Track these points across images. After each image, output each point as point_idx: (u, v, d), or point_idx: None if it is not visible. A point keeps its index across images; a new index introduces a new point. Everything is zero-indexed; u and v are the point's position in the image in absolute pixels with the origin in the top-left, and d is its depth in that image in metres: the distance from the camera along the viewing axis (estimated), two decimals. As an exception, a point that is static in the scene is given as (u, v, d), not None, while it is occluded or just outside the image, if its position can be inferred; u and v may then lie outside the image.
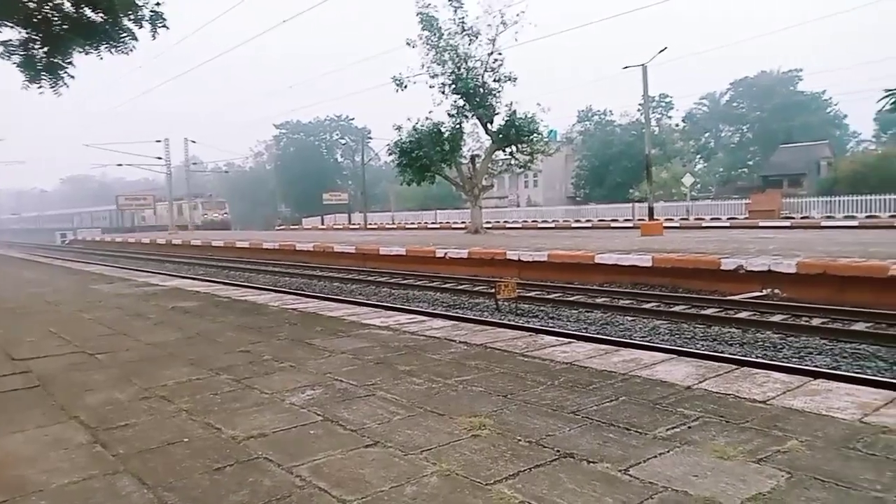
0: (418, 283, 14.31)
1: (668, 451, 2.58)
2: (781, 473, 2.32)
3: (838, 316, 8.32)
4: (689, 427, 2.86)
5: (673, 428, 2.86)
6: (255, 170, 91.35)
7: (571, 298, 10.98)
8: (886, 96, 13.30)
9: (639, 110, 49.00)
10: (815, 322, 8.18)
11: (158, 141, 46.59)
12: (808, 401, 3.19)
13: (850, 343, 7.21)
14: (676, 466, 2.42)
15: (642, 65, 23.85)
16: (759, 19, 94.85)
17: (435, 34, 24.02)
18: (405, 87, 24.88)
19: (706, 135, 66.84)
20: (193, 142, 50.63)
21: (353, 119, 79.55)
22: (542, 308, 10.50)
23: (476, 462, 2.53)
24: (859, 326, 7.81)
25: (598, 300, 10.63)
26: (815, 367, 6.12)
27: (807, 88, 60.32)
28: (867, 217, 28.73)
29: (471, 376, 3.91)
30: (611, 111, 61.03)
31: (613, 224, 36.17)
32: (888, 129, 55.52)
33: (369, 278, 15.54)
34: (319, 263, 20.03)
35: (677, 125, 61.24)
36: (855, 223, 26.17)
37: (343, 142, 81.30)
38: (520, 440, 2.77)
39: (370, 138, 65.42)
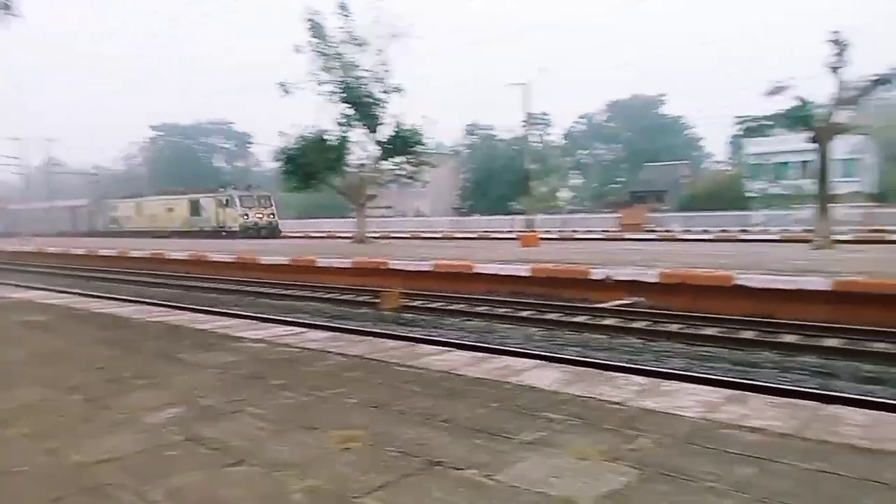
0: (300, 293, 13.97)
1: (532, 455, 2.68)
2: (633, 470, 2.48)
3: (693, 321, 9.06)
4: (554, 430, 2.99)
5: (538, 432, 2.97)
6: (128, 172, 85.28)
7: (454, 307, 11.17)
8: (738, 123, 14.70)
9: (523, 126, 51.04)
10: (674, 327, 8.86)
11: (14, 139, 42.05)
12: (659, 401, 3.43)
13: (703, 346, 7.88)
14: (539, 469, 2.52)
15: (524, 84, 24.93)
16: (639, 43, 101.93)
17: (323, 41, 23.70)
18: (289, 93, 24.33)
19: (584, 152, 70.82)
20: (53, 140, 46.13)
21: (233, 123, 76.61)
22: (424, 317, 10.59)
23: (345, 476, 2.49)
24: (710, 331, 8.55)
25: (479, 309, 10.89)
26: (670, 369, 6.62)
27: (670, 112, 65.73)
28: (721, 231, 31.62)
29: (346, 388, 3.85)
30: (495, 127, 63.18)
31: (496, 235, 37.26)
32: (738, 153, 61.61)
33: (248, 289, 14.95)
34: (194, 273, 18.99)
35: (557, 142, 64.51)
36: (710, 237, 28.69)
37: (224, 146, 78.01)
38: (391, 451, 2.76)
39: (250, 143, 63.18)
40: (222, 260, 19.68)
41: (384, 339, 5.97)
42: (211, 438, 2.96)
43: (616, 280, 11.30)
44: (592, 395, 3.56)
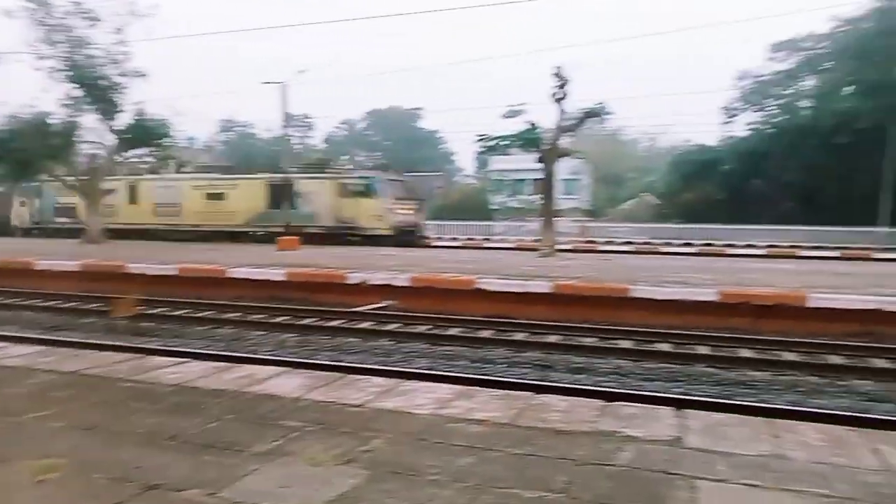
0: (9, 301, 11.81)
1: (264, 466, 2.58)
2: (364, 472, 2.53)
3: (440, 323, 9.66)
4: (290, 438, 2.93)
5: (274, 441, 2.89)
6: None
7: (202, 315, 10.41)
8: (478, 140, 16.15)
9: (284, 126, 49.79)
10: (422, 329, 9.34)
11: None
12: (398, 401, 3.58)
13: (447, 346, 8.43)
14: (269, 480, 2.44)
15: (282, 83, 24.27)
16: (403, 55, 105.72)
17: (43, 9, 20.40)
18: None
19: (345, 158, 71.54)
20: None
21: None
22: (166, 326, 9.70)
23: (35, 513, 2.14)
24: (454, 331, 9.19)
25: (229, 315, 10.30)
26: (417, 369, 6.97)
27: (426, 126, 69.70)
28: (468, 239, 34.31)
29: (52, 410, 3.34)
30: (253, 124, 60.76)
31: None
32: (483, 168, 67.68)
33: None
34: None
35: (318, 147, 64.26)
36: (458, 244, 30.97)
37: None
38: (100, 478, 2.45)
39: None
40: None
41: (110, 352, 5.30)
42: None
43: (371, 284, 11.58)
44: (333, 400, 3.57)
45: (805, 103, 33.00)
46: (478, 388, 3.98)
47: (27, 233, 29.25)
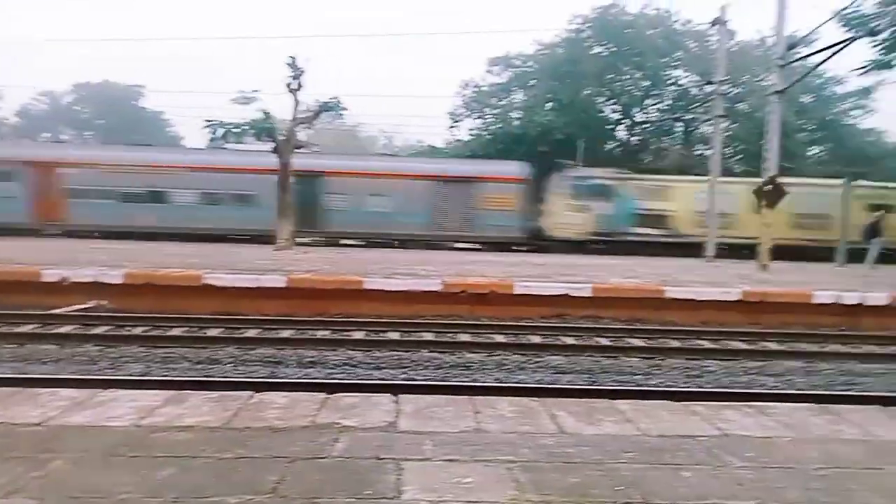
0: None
1: None
2: (30, 501, 2.16)
3: (160, 323, 8.80)
4: (-68, 475, 2.37)
5: None
6: None
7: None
8: (207, 126, 15.05)
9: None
10: (138, 331, 8.41)
11: None
12: (91, 414, 3.14)
13: (166, 348, 7.71)
14: None
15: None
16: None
17: None
18: None
19: (46, 135, 61.16)
20: None
21: None
22: None
23: None
24: (177, 331, 8.46)
25: None
26: (128, 376, 6.25)
27: (150, 106, 63.01)
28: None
29: None
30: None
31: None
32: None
33: None
34: None
35: (6, 119, 53.99)
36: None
37: None
38: None
39: None
40: None
41: None
42: None
43: (75, 282, 10.07)
44: (2, 421, 2.99)
45: (516, 114, 37.46)
46: (190, 391, 3.69)
47: (579, 245, 22.01)
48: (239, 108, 15.30)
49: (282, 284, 10.12)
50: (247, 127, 15.18)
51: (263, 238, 17.67)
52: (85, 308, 9.65)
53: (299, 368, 7.13)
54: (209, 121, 15.14)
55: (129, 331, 8.40)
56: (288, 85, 15.33)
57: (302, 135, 16.41)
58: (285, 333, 8.42)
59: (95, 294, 10.05)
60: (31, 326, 8.36)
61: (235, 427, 3.01)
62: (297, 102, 15.75)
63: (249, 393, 3.69)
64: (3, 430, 2.86)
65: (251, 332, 8.42)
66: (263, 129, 15.30)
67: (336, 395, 3.69)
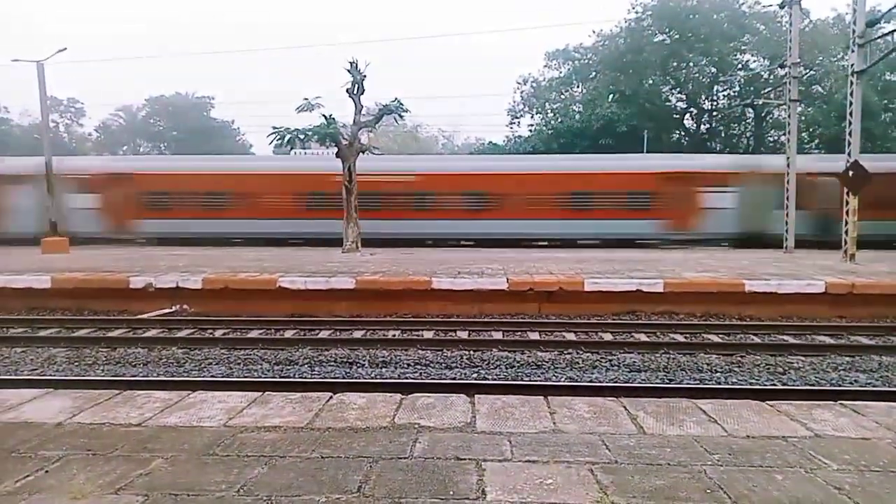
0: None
1: (12, 509, 2.22)
2: (138, 498, 2.29)
3: (238, 326, 9.15)
4: (47, 471, 2.56)
5: (26, 477, 2.50)
6: None
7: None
8: (272, 133, 15.49)
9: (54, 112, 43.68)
10: (218, 333, 8.77)
11: None
12: (182, 415, 3.30)
13: (245, 350, 8.00)
14: (18, 525, 2.10)
15: (38, 61, 21.09)
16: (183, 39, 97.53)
17: None
18: None
19: (124, 148, 64.57)
20: None
21: None
22: None
23: None
24: (255, 333, 8.77)
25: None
26: (212, 377, 6.52)
27: (218, 116, 65.44)
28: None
29: None
30: (7, 108, 52.21)
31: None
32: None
33: None
34: None
35: (90, 134, 57.27)
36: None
37: None
38: None
39: None
40: None
41: None
42: None
43: (158, 288, 10.60)
44: (105, 421, 3.19)
45: (577, 108, 36.85)
46: (272, 392, 3.81)
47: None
48: (306, 115, 15.69)
49: (351, 286, 10.32)
50: (310, 133, 15.54)
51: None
52: (168, 312, 10.14)
53: (372, 368, 7.25)
54: (275, 128, 15.59)
55: (210, 333, 8.76)
56: (348, 90, 15.61)
57: (364, 138, 16.67)
58: (357, 334, 8.58)
59: (177, 299, 10.54)
60: (120, 331, 8.85)
61: (318, 427, 3.09)
62: (360, 106, 16.01)
63: (328, 394, 3.79)
64: (107, 431, 3.05)
65: (324, 333, 8.63)
66: (326, 134, 15.63)
67: (412, 395, 3.74)
